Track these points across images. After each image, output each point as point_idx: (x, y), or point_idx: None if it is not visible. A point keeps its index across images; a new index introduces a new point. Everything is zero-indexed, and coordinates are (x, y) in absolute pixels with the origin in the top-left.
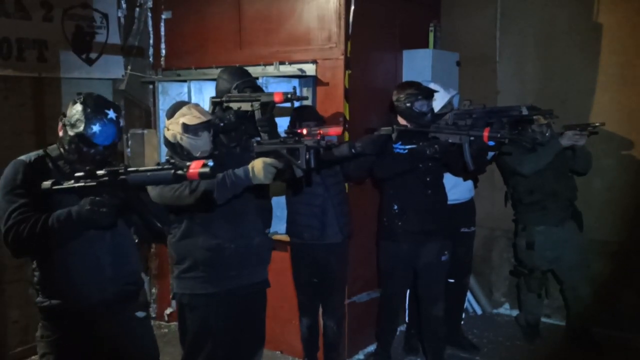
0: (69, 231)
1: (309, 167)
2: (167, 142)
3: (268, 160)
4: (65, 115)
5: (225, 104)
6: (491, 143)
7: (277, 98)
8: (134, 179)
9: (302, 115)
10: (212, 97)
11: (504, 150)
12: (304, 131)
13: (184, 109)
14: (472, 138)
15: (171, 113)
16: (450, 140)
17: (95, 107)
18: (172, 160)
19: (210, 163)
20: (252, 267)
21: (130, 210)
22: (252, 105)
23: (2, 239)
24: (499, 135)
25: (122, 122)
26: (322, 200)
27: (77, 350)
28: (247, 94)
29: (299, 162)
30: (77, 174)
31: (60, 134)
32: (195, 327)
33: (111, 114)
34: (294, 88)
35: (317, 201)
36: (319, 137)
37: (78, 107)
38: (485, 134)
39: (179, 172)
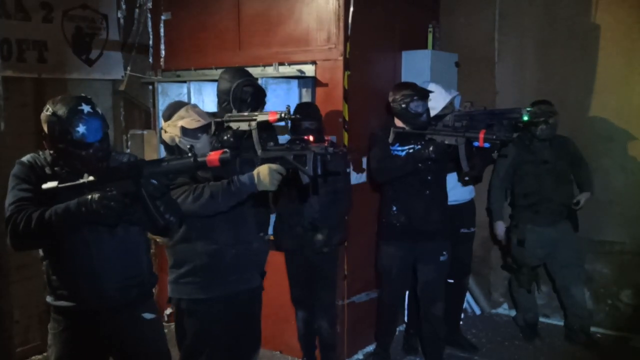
0: (67, 225)
1: (315, 174)
2: (165, 144)
3: (274, 166)
4: (46, 133)
5: (225, 124)
6: (487, 145)
7: (271, 118)
8: (155, 169)
9: (301, 113)
10: (215, 119)
11: (502, 153)
12: (311, 138)
13: (182, 112)
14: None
15: (168, 115)
16: (446, 142)
17: (67, 111)
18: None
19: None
20: (251, 271)
21: (135, 205)
22: (249, 125)
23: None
24: (494, 137)
25: (100, 110)
26: (312, 210)
27: (79, 345)
28: (246, 113)
29: (306, 168)
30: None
31: (52, 151)
32: (193, 332)
33: (86, 108)
34: (288, 107)
35: (306, 211)
36: (325, 144)
37: (52, 119)
38: (481, 135)
39: (200, 159)
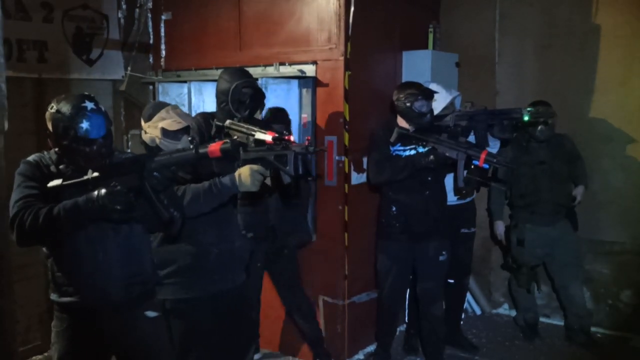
0: (75, 221)
1: (297, 174)
2: (145, 145)
3: (255, 167)
4: (50, 131)
5: (226, 129)
6: (486, 166)
7: (268, 139)
8: (157, 162)
9: (275, 117)
10: (215, 121)
11: (500, 177)
12: (291, 137)
13: (163, 113)
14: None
15: (149, 115)
16: (447, 154)
17: (71, 108)
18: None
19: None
20: (235, 270)
21: (140, 200)
22: (247, 139)
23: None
24: (495, 160)
25: (103, 108)
26: (266, 212)
27: (82, 343)
28: (245, 126)
29: (287, 168)
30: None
31: (56, 149)
32: (180, 332)
33: (89, 104)
34: (285, 133)
35: (260, 214)
36: (307, 144)
37: (57, 116)
38: (482, 156)
39: (201, 150)
